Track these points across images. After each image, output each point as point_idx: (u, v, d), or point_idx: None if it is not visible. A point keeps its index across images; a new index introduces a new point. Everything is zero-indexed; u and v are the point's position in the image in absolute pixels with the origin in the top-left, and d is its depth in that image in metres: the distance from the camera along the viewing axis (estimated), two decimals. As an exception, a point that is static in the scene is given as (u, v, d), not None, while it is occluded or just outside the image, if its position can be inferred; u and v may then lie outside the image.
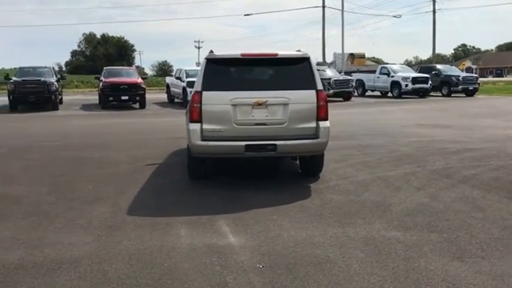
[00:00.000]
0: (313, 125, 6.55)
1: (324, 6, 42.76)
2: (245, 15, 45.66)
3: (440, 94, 29.05)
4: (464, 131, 12.84)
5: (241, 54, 6.66)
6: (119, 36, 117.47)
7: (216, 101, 6.47)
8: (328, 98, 22.80)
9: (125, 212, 5.62)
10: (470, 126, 13.83)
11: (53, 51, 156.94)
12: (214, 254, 4.29)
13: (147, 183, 7.08)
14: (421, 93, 27.46)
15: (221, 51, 6.83)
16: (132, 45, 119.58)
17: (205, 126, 6.47)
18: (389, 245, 4.48)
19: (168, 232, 4.89)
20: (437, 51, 52.90)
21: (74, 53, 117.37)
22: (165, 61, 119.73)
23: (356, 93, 29.51)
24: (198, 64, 47.74)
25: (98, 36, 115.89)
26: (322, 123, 6.59)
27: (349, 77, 28.16)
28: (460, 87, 27.87)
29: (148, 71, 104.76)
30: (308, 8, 56.46)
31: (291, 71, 6.82)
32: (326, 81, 25.48)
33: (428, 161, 8.59)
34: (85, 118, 18.44)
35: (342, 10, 40.13)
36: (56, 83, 21.76)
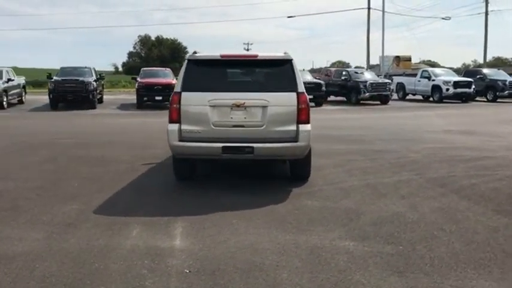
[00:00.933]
0: (293, 128, 6.39)
1: (369, 8, 41.89)
2: (288, 17, 45.15)
3: (485, 99, 27.74)
4: (489, 138, 12.20)
5: (221, 55, 6.60)
6: (172, 38, 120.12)
7: (194, 102, 6.44)
8: (362, 101, 22.50)
9: (92, 210, 5.68)
10: (499, 134, 13.12)
11: (112, 52, 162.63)
12: (151, 256, 4.24)
13: (132, 183, 7.14)
14: (464, 98, 26.33)
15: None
16: (185, 47, 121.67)
17: (183, 127, 6.45)
18: (334, 255, 4.28)
19: (120, 232, 4.89)
20: (497, 55, 50.49)
21: (130, 54, 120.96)
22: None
23: (397, 97, 28.75)
24: None
25: (153, 38, 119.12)
26: (302, 127, 6.42)
27: (386, 80, 27.43)
28: (507, 92, 26.49)
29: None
30: (354, 9, 55.50)
31: (271, 73, 6.70)
32: (362, 84, 25.00)
33: (432, 168, 8.21)
34: (117, 117, 18.92)
35: (383, 11, 39.28)
36: (94, 82, 22.43)
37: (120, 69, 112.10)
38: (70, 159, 9.04)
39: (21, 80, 25.19)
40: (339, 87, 27.06)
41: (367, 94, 24.95)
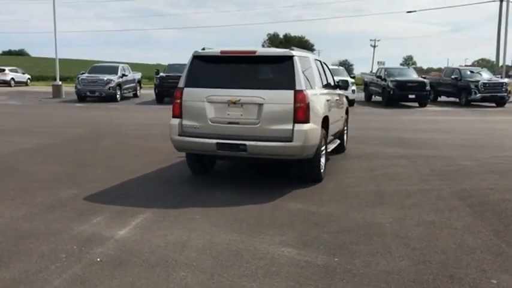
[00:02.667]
0: (289, 127, 6.18)
1: (501, 0, 38.11)
2: (408, 12, 42.69)
3: None
4: None
5: (221, 52, 6.59)
6: (300, 35, 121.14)
7: (194, 97, 6.53)
8: (475, 103, 20.85)
9: (84, 196, 6.06)
10: None
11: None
12: (84, 242, 4.44)
13: (147, 174, 7.45)
14: None
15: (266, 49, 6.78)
16: (312, 45, 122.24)
17: (184, 122, 6.59)
18: (255, 260, 4.10)
19: (85, 218, 5.17)
20: None
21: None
22: (346, 60, 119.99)
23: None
24: (381, 63, 46.57)
25: (281, 36, 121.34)
26: (298, 126, 6.17)
27: (503, 80, 24.82)
28: None
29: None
30: (486, 2, 50.93)
31: (270, 69, 6.53)
32: (473, 83, 23.03)
33: (473, 179, 7.40)
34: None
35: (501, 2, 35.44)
36: None
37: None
38: (119, 149, 9.69)
39: (137, 75, 27.31)
40: (449, 87, 25.18)
41: (478, 95, 22.90)
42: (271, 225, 5.03)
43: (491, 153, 9.76)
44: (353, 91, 22.62)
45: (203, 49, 6.84)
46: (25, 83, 41.57)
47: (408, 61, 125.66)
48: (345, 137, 9.82)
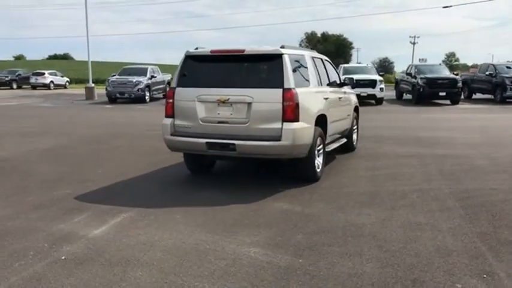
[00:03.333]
0: (277, 126, 6.10)
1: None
2: (444, 7, 41.45)
3: None
4: None
5: (211, 51, 6.57)
6: (338, 34, 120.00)
7: (185, 97, 6.54)
8: (509, 100, 19.89)
9: (76, 195, 6.17)
10: None
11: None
12: (56, 241, 4.51)
13: (146, 174, 7.52)
14: None
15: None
16: (351, 43, 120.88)
17: (176, 121, 6.62)
18: (218, 260, 4.06)
19: (67, 217, 5.26)
20: None
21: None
22: (386, 57, 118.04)
23: None
24: (423, 60, 45.38)
25: (319, 34, 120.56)
26: (286, 125, 6.08)
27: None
28: None
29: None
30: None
31: (259, 68, 6.46)
32: (509, 79, 22.20)
33: (480, 179, 7.14)
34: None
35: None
36: None
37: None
38: (129, 149, 9.84)
39: (166, 76, 27.62)
40: (484, 83, 24.30)
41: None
42: (248, 226, 4.98)
43: (510, 152, 9.35)
44: (381, 89, 22.19)
45: (196, 49, 6.84)
46: (64, 86, 42.92)
47: (451, 58, 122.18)
48: (355, 135, 9.62)
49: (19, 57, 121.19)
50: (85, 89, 27.99)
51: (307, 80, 6.82)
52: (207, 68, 6.63)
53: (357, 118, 9.71)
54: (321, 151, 7.10)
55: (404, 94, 25.38)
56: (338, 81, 8.75)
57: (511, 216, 5.29)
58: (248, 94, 6.18)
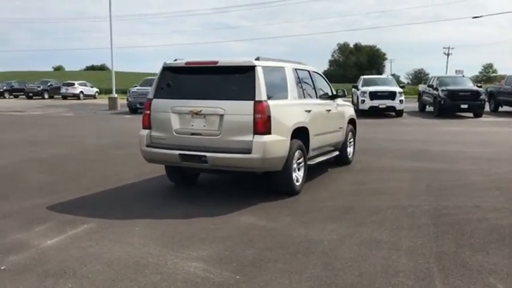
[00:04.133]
0: (248, 138, 6.03)
1: None
2: (473, 17, 40.38)
3: None
4: None
5: (185, 63, 6.57)
6: (371, 45, 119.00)
7: (161, 108, 6.56)
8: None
9: (49, 205, 6.24)
10: None
11: (315, 61, 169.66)
12: (6, 250, 4.55)
13: (129, 184, 7.56)
14: None
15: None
16: (384, 54, 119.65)
17: (153, 133, 6.64)
18: (142, 271, 4.01)
19: (27, 227, 5.29)
20: None
21: (331, 63, 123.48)
22: (421, 69, 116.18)
23: None
24: (459, 72, 44.31)
25: (351, 45, 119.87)
26: (257, 138, 6.01)
27: None
28: None
29: (404, 80, 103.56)
30: None
31: (232, 80, 6.40)
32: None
33: (467, 196, 6.87)
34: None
35: None
36: None
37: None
38: (125, 159, 9.95)
39: None
40: (510, 95, 23.56)
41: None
42: (203, 240, 4.91)
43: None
44: (400, 101, 21.77)
45: (175, 60, 6.86)
46: (93, 96, 43.97)
47: (488, 69, 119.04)
48: (350, 148, 9.43)
49: (58, 68, 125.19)
50: (108, 99, 28.58)
51: (285, 92, 6.73)
52: (182, 80, 6.63)
53: (353, 131, 9.52)
54: (302, 164, 6.97)
55: (427, 106, 24.84)
56: (330, 93, 8.62)
57: (481, 235, 5.05)
58: (220, 106, 6.14)
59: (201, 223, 5.47)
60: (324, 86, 8.49)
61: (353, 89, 24.88)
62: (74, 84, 42.03)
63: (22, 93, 44.52)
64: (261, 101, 6.02)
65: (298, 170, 6.92)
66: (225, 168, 6.27)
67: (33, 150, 11.23)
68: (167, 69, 6.70)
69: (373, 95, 21.87)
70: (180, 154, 6.29)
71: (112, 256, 4.43)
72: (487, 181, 7.81)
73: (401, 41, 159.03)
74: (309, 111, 7.17)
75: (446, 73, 63.11)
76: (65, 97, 41.29)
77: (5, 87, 45.89)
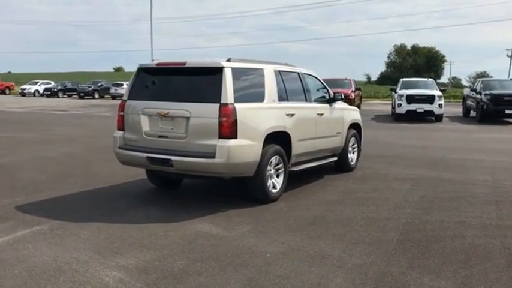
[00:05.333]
0: (213, 142, 5.80)
1: None
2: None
3: None
4: None
5: (156, 64, 6.43)
6: (429, 46, 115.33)
7: (133, 110, 6.45)
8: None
9: (18, 204, 6.26)
10: None
11: (374, 63, 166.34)
12: None
13: (108, 186, 7.47)
14: None
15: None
16: (443, 56, 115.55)
17: (126, 134, 6.55)
18: (57, 278, 3.88)
19: (-16, 226, 5.33)
20: None
21: (388, 64, 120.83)
22: (484, 72, 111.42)
23: None
24: None
25: (409, 47, 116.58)
26: (221, 142, 5.77)
27: None
28: None
29: (465, 83, 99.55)
30: None
31: (199, 81, 6.18)
32: None
33: (456, 209, 6.34)
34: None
35: None
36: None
37: (373, 79, 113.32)
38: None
39: None
40: None
41: None
42: (142, 247, 4.74)
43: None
44: (440, 105, 20.77)
45: (153, 61, 6.74)
46: (140, 96, 44.89)
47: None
48: (352, 155, 8.98)
49: (118, 69, 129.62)
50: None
51: (261, 95, 6.43)
52: (156, 81, 6.48)
53: (356, 136, 9.05)
54: (281, 170, 6.66)
55: (471, 112, 23.57)
56: (327, 97, 8.24)
57: (445, 255, 4.58)
58: (186, 108, 5.95)
59: (152, 229, 5.30)
60: (319, 89, 8.11)
61: (392, 92, 24.04)
62: (122, 84, 43.15)
63: (75, 93, 46.29)
64: (226, 104, 5.77)
65: (277, 176, 6.62)
66: (191, 172, 6.07)
67: (43, 149, 11.42)
68: (142, 70, 6.58)
69: (411, 99, 20.98)
70: (147, 157, 6.15)
71: (38, 260, 4.33)
72: (491, 194, 7.20)
73: (462, 42, 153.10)
74: (292, 115, 6.84)
75: (508, 76, 59.91)
76: (114, 97, 42.43)
77: (59, 87, 47.95)
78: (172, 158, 5.94)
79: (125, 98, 6.59)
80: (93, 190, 7.19)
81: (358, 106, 24.98)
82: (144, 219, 5.64)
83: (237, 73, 6.06)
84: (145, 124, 6.28)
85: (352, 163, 8.96)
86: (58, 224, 5.40)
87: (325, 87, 8.31)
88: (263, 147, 6.22)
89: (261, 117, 6.25)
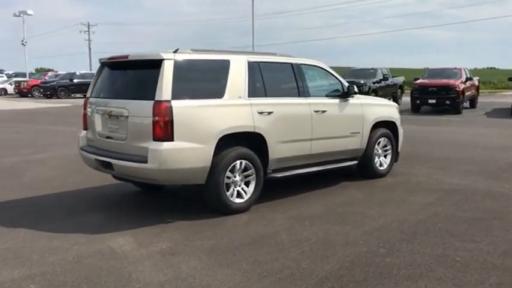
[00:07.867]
0: (146, 145, 5.13)
1: None
2: None
3: None
4: None
5: (108, 58, 5.89)
6: None
7: (91, 108, 6.05)
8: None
9: (8, 199, 6.31)
10: None
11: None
12: None
13: (91, 188, 7.04)
14: None
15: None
16: None
17: (88, 135, 6.18)
18: None
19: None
20: None
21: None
22: None
23: None
24: None
25: None
26: (154, 145, 5.06)
27: None
28: None
29: None
30: None
31: (140, 76, 5.53)
32: None
33: (463, 235, 4.91)
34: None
35: None
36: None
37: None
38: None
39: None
40: None
41: None
42: (19, 262, 4.28)
43: None
44: None
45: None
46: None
47: None
48: (383, 158, 7.58)
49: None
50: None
51: (221, 91, 5.56)
52: (108, 77, 5.99)
53: (389, 136, 7.61)
54: (252, 177, 5.75)
55: None
56: (341, 90, 7.03)
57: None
58: (125, 106, 5.36)
59: (58, 241, 4.77)
60: (325, 83, 6.93)
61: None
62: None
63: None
64: (160, 101, 5.04)
65: (246, 184, 5.73)
66: (130, 178, 5.47)
67: (51, 149, 11.09)
68: (101, 65, 6.11)
69: None
70: (95, 159, 5.69)
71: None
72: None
73: None
74: (269, 112, 5.85)
75: None
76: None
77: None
78: (113, 161, 5.40)
79: (88, 94, 6.18)
80: (73, 191, 6.90)
81: (473, 98, 22.11)
82: (69, 229, 5.14)
83: (185, 66, 5.29)
84: (98, 124, 5.83)
85: (381, 168, 7.57)
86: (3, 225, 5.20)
87: (339, 79, 7.07)
88: (220, 151, 5.36)
89: (214, 116, 5.39)
